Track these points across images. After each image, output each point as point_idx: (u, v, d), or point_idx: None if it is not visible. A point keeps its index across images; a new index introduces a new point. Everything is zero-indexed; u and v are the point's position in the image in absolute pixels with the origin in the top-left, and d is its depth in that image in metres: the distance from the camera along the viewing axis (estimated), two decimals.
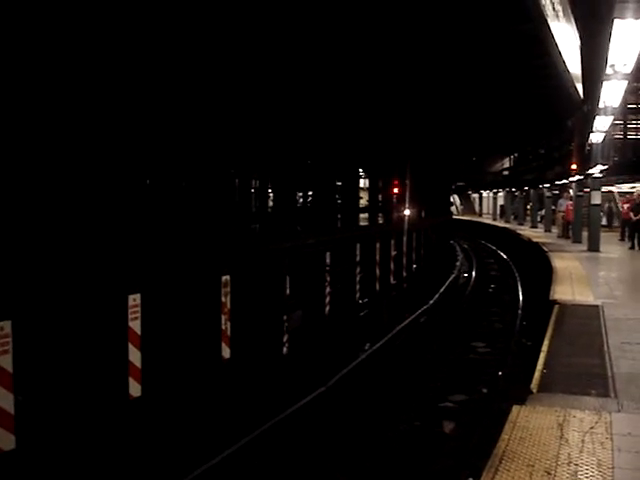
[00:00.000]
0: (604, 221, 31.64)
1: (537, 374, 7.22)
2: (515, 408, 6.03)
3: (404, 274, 20.98)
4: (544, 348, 8.41)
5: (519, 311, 18.04)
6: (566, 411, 5.95)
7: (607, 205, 33.38)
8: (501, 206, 56.45)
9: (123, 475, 7.15)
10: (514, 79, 19.36)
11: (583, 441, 5.23)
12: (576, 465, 4.77)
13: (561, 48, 10.70)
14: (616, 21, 7.17)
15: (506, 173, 55.16)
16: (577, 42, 10.46)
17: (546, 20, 8.42)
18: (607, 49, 8.58)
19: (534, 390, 6.69)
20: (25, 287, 6.31)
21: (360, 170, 18.57)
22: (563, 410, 5.98)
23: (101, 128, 7.86)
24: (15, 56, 6.71)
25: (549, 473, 4.63)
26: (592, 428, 5.52)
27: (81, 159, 7.62)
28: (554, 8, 8.09)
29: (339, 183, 16.12)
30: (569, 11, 8.39)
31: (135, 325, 7.52)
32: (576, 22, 9.01)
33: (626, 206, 26.99)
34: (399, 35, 13.18)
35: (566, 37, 9.99)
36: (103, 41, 7.67)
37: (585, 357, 7.96)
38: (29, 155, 7.05)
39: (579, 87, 15.67)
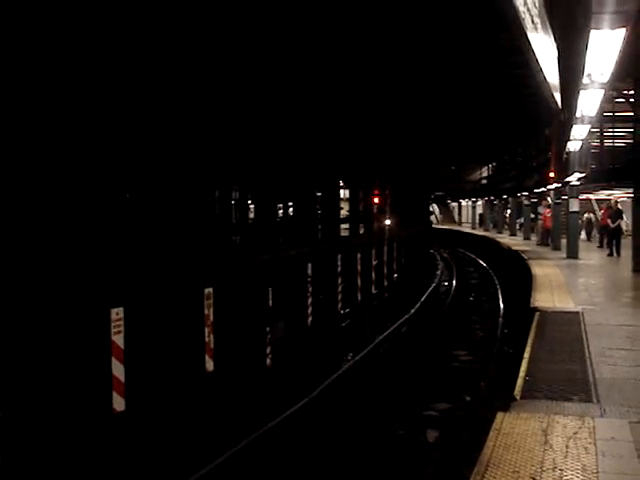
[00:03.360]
0: (583, 235, 31.46)
1: (520, 381, 7.27)
2: (499, 415, 6.06)
3: (385, 283, 21.03)
4: (526, 355, 8.47)
5: (500, 319, 18.12)
6: (550, 417, 6.00)
7: (586, 216, 33.20)
8: (480, 215, 56.81)
9: None
10: (493, 89, 19.56)
11: (567, 446, 5.27)
12: (561, 470, 4.81)
13: (539, 58, 10.83)
14: (592, 32, 7.28)
15: (484, 182, 55.53)
16: (555, 52, 10.58)
17: (525, 31, 8.54)
18: (584, 59, 8.69)
19: (517, 397, 6.74)
20: (5, 300, 6.26)
21: (340, 181, 18.60)
22: (547, 416, 6.03)
23: (82, 142, 7.83)
24: None
25: (535, 479, 4.67)
26: (576, 433, 5.57)
27: (62, 172, 7.59)
28: (533, 20, 8.19)
29: (319, 194, 16.15)
30: (547, 22, 8.50)
31: (118, 339, 7.48)
32: (554, 33, 9.13)
33: (602, 212, 27.27)
34: (379, 46, 13.27)
35: (544, 48, 10.11)
36: (82, 54, 7.67)
37: (567, 363, 8.03)
38: (8, 168, 7.01)
39: (557, 96, 15.83)
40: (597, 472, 4.79)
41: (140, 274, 8.29)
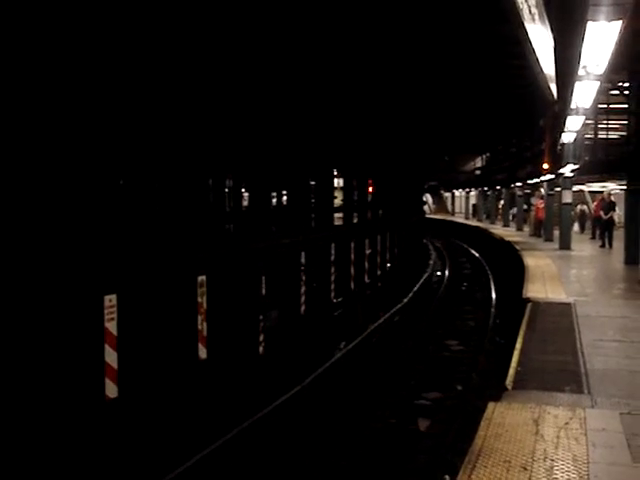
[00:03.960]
0: (576, 227, 31.34)
1: (511, 371, 7.31)
2: (491, 405, 6.10)
3: (378, 273, 21.07)
4: (518, 346, 8.51)
5: (492, 309, 18.19)
6: (541, 407, 6.03)
7: (579, 208, 33.10)
8: (473, 205, 56.86)
9: (100, 475, 7.12)
10: (488, 79, 19.54)
11: (558, 437, 5.30)
12: (552, 460, 4.84)
13: (536, 49, 10.83)
14: (589, 23, 7.28)
15: (478, 172, 55.50)
16: (551, 43, 10.58)
17: (522, 22, 8.52)
18: (580, 50, 8.69)
19: (509, 387, 6.77)
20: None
21: (334, 170, 18.58)
22: (538, 406, 6.06)
23: (74, 129, 7.80)
24: None
25: (525, 468, 4.70)
26: (567, 424, 5.61)
27: (55, 159, 7.56)
28: (530, 11, 8.18)
29: (313, 183, 16.14)
30: (544, 14, 8.50)
31: (111, 326, 7.49)
32: (551, 24, 9.13)
33: (595, 204, 27.33)
34: (374, 35, 13.22)
35: (541, 38, 10.10)
36: (79, 47, 7.63)
37: (559, 354, 8.07)
38: (3, 158, 6.98)
39: (552, 87, 15.82)
40: (588, 462, 4.82)
41: (134, 261, 8.28)
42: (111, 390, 7.48)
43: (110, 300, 7.47)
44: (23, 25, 6.96)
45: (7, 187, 6.98)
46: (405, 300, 19.86)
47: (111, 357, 7.49)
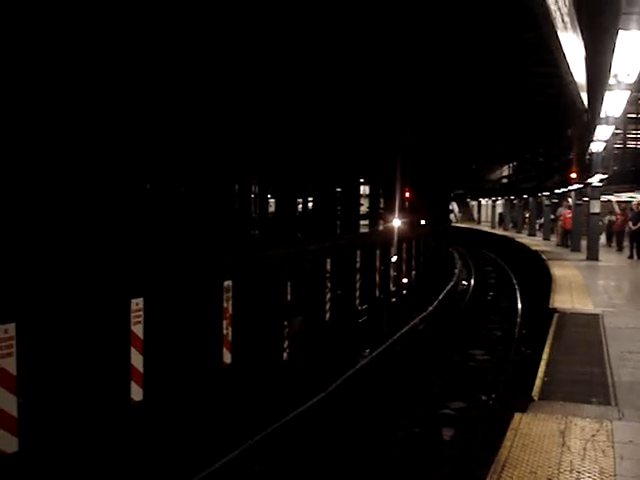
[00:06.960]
0: (603, 238, 30.55)
1: (538, 382, 7.25)
2: (517, 415, 6.05)
3: (404, 281, 20.99)
4: (544, 356, 8.44)
5: (518, 319, 18.06)
6: (567, 419, 5.98)
7: (607, 218, 32.37)
8: (500, 214, 56.51)
9: (125, 478, 7.16)
10: (516, 88, 19.46)
11: (585, 449, 5.25)
12: (578, 472, 4.79)
13: (568, 57, 10.76)
14: (620, 32, 7.23)
15: (505, 181, 55.25)
16: (582, 52, 10.51)
17: (555, 30, 8.49)
18: (611, 59, 8.63)
19: (535, 398, 6.72)
20: (29, 290, 6.32)
21: (361, 178, 18.57)
22: (564, 418, 6.00)
23: (103, 133, 7.87)
24: (16, 56, 6.72)
25: None
26: (594, 436, 5.55)
27: (84, 164, 7.64)
28: (563, 19, 8.15)
29: (339, 190, 16.14)
30: (576, 22, 8.45)
31: (137, 329, 7.53)
32: (582, 33, 9.08)
33: (621, 218, 27.03)
34: (404, 41, 13.23)
35: (572, 47, 10.05)
36: (102, 43, 7.69)
37: (586, 365, 7.99)
38: (31, 158, 7.06)
39: (583, 96, 15.70)
40: (615, 475, 4.77)
41: (160, 265, 8.33)
42: (136, 393, 7.52)
43: (137, 304, 7.52)
44: (55, 31, 7.05)
45: (38, 193, 7.07)
46: (430, 308, 19.79)
47: (137, 360, 7.53)
